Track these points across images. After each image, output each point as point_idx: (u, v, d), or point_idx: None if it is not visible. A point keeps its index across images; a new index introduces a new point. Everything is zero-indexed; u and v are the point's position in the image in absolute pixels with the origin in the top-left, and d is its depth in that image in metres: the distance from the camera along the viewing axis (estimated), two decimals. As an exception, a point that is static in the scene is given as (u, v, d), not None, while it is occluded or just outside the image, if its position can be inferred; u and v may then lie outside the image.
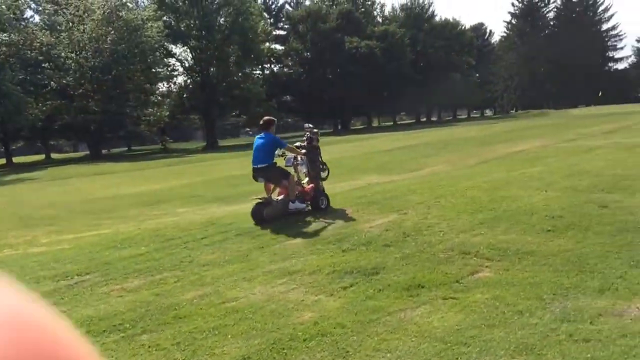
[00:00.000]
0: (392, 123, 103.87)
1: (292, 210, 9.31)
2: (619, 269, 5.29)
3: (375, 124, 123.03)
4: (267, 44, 72.00)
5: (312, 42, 77.10)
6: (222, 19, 63.80)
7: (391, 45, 76.64)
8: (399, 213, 8.61)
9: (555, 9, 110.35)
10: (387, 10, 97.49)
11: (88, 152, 57.44)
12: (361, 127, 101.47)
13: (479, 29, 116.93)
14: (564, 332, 4.00)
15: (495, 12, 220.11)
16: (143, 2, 68.66)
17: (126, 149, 77.74)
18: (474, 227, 7.25)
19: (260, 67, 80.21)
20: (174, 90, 66.82)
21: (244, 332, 4.48)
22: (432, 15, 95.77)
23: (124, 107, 50.22)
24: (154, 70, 57.92)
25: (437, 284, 5.31)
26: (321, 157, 9.98)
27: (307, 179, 9.90)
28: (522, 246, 6.26)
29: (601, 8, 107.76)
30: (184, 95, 65.29)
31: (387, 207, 9.23)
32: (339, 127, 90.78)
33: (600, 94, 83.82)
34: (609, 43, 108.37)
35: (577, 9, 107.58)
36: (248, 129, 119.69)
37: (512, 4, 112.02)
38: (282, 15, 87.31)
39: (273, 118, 9.86)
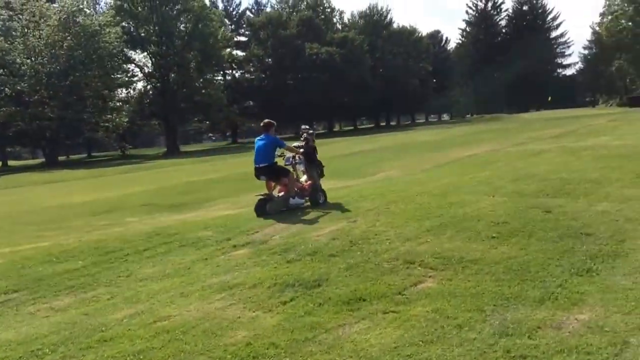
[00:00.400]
0: (352, 128, 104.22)
1: (292, 206, 9.96)
2: (559, 277, 5.15)
3: (336, 128, 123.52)
4: (228, 50, 71.34)
5: (273, 48, 76.71)
6: (182, 25, 62.94)
7: (350, 51, 76.77)
8: (348, 220, 8.38)
9: (507, 17, 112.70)
10: (347, 17, 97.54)
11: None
12: (322, 131, 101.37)
13: (435, 37, 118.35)
14: (501, 347, 3.81)
15: (451, 20, 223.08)
16: (101, 7, 67.36)
17: (86, 155, 76.01)
18: (420, 235, 7.06)
19: (221, 73, 79.45)
20: (134, 96, 65.56)
21: (171, 356, 4.15)
22: (390, 22, 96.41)
23: (81, 114, 48.92)
24: (112, 76, 56.68)
25: (378, 297, 5.08)
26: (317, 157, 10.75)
27: (304, 176, 10.64)
28: (466, 254, 6.08)
29: (550, 16, 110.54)
30: (144, 102, 64.12)
31: (338, 214, 9.00)
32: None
33: (549, 99, 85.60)
34: (558, 50, 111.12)
35: (528, 17, 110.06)
36: (211, 135, 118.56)
37: (467, 12, 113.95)
38: (243, 22, 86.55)
39: (272, 121, 10.34)
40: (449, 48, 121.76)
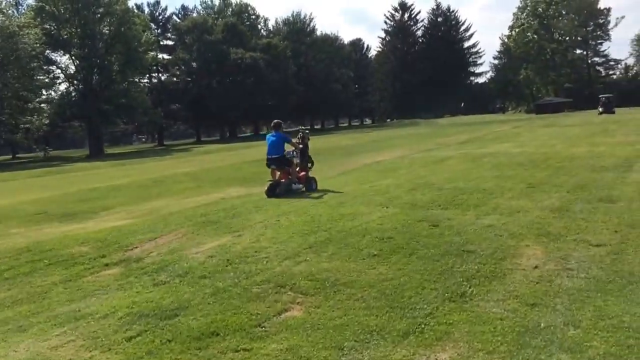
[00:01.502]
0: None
1: (295, 189, 11.94)
2: (431, 303, 4.63)
3: (264, 131, 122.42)
4: (152, 53, 68.92)
5: (198, 52, 74.98)
6: (105, 28, 60.22)
7: (274, 57, 76.20)
8: (233, 235, 7.69)
9: (423, 27, 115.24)
10: (271, 24, 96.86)
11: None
12: (249, 134, 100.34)
13: (357, 44, 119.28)
14: (347, 400, 3.20)
15: (374, 29, 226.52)
16: (23, 9, 63.49)
17: (11, 157, 71.76)
18: (301, 252, 6.44)
19: (147, 76, 76.93)
20: (56, 98, 62.14)
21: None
22: (313, 30, 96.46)
23: (-3, 115, 45.75)
24: (33, 77, 53.42)
25: (235, 330, 4.39)
26: (309, 152, 12.70)
27: (297, 167, 12.40)
28: (342, 275, 5.50)
29: (462, 28, 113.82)
30: (66, 103, 60.89)
31: (225, 227, 8.30)
32: (228, 134, 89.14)
33: (462, 105, 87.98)
34: (470, 59, 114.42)
35: (442, 28, 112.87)
36: (141, 136, 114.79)
37: (385, 22, 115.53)
38: (169, 26, 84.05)
39: (280, 121, 12.45)
40: (370, 55, 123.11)
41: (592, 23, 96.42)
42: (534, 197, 9.13)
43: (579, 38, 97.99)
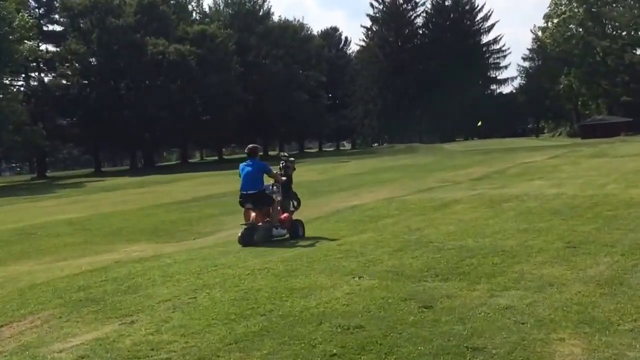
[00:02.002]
0: (217, 158, 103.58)
1: (275, 236, 12.79)
2: None
3: (194, 158, 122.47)
4: (31, 42, 68.50)
5: (100, 43, 74.68)
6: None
7: (211, 51, 76.49)
8: (122, 321, 7.38)
9: (424, 14, 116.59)
10: (207, 3, 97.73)
11: None
12: (173, 163, 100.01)
13: (331, 35, 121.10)
14: None
15: (354, 15, 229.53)
16: None
17: None
18: (220, 351, 6.12)
19: (23, 75, 76.35)
20: None
21: None
22: (269, 14, 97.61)
23: None
24: None
25: None
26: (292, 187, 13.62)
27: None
28: (281, 389, 5.19)
29: (480, 15, 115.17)
30: None
31: (112, 308, 8.02)
32: (142, 162, 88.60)
33: (479, 124, 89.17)
34: (491, 60, 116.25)
35: (452, 15, 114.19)
36: (14, 164, 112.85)
37: (372, 5, 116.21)
38: (56, 4, 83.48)
39: (258, 145, 13.73)
40: (350, 52, 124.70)
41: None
42: (574, 262, 9.01)
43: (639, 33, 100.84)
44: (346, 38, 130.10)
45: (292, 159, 13.93)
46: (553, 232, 11.44)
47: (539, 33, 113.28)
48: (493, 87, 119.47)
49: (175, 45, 73.98)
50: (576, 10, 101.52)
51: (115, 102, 73.91)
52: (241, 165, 13.20)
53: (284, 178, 13.33)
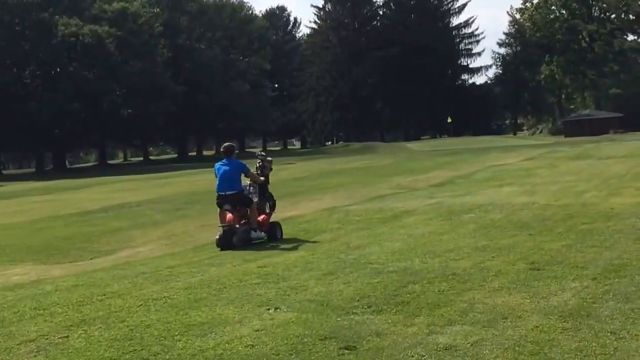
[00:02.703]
0: (142, 158, 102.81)
1: (254, 239, 14.07)
2: None
3: (117, 159, 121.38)
4: None
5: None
6: None
7: (133, 33, 75.97)
8: None
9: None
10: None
11: None
12: (90, 165, 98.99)
13: (277, 16, 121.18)
14: None
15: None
16: None
17: None
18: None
19: None
20: None
21: None
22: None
23: None
24: None
25: None
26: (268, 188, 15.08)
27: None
28: None
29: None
30: None
31: None
32: (51, 164, 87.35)
33: (449, 120, 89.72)
34: (462, 46, 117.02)
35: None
36: None
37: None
38: None
39: (233, 144, 15.26)
40: (299, 35, 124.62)
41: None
42: (535, 288, 8.74)
43: (631, 17, 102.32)
44: (295, 19, 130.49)
45: (269, 158, 15.20)
46: (516, 251, 11.26)
47: (517, 15, 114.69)
48: (464, 76, 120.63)
49: (91, 26, 73.25)
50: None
51: (19, 92, 72.82)
52: (217, 164, 14.53)
53: (262, 178, 14.69)
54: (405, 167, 35.92)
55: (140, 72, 74.88)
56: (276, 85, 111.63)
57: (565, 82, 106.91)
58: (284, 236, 14.58)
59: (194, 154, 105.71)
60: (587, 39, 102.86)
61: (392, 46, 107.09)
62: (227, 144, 14.87)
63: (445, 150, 54.92)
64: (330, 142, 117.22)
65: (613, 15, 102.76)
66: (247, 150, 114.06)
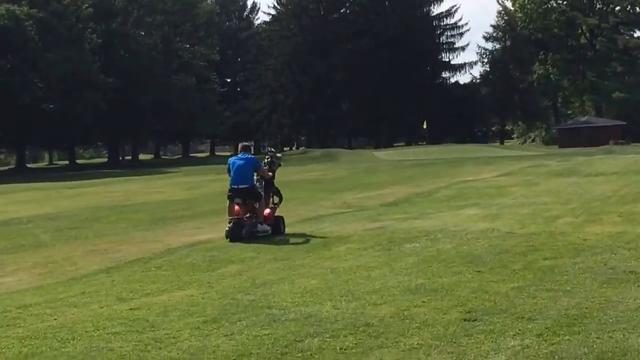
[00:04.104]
0: (68, 162, 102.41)
1: (260, 232, 16.76)
2: None
3: (42, 161, 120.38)
4: None
5: None
6: None
7: (57, 16, 75.82)
8: None
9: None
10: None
11: None
12: (6, 168, 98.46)
13: (230, 0, 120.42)
14: None
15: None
16: None
17: None
18: None
19: None
20: None
21: None
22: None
23: None
24: None
25: None
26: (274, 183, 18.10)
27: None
28: None
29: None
30: None
31: None
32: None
33: (425, 126, 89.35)
34: (443, 39, 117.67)
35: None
36: None
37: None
38: None
39: (248, 143, 18.80)
40: (256, 22, 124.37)
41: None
42: (462, 348, 8.10)
43: (638, 10, 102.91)
44: (255, 4, 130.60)
45: (278, 154, 18.79)
46: (454, 294, 10.70)
47: (508, 4, 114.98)
48: (445, 74, 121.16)
49: (7, 5, 72.59)
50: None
51: None
52: (232, 159, 17.75)
53: (270, 174, 17.71)
54: (360, 180, 35.79)
55: (64, 61, 74.04)
56: (227, 80, 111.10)
57: (562, 84, 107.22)
58: (286, 230, 17.74)
59: (130, 157, 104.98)
60: (587, 35, 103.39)
61: (362, 37, 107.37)
62: (244, 143, 18.18)
63: (415, 160, 54.81)
64: (288, 148, 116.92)
65: (617, 8, 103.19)
66: (191, 155, 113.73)
